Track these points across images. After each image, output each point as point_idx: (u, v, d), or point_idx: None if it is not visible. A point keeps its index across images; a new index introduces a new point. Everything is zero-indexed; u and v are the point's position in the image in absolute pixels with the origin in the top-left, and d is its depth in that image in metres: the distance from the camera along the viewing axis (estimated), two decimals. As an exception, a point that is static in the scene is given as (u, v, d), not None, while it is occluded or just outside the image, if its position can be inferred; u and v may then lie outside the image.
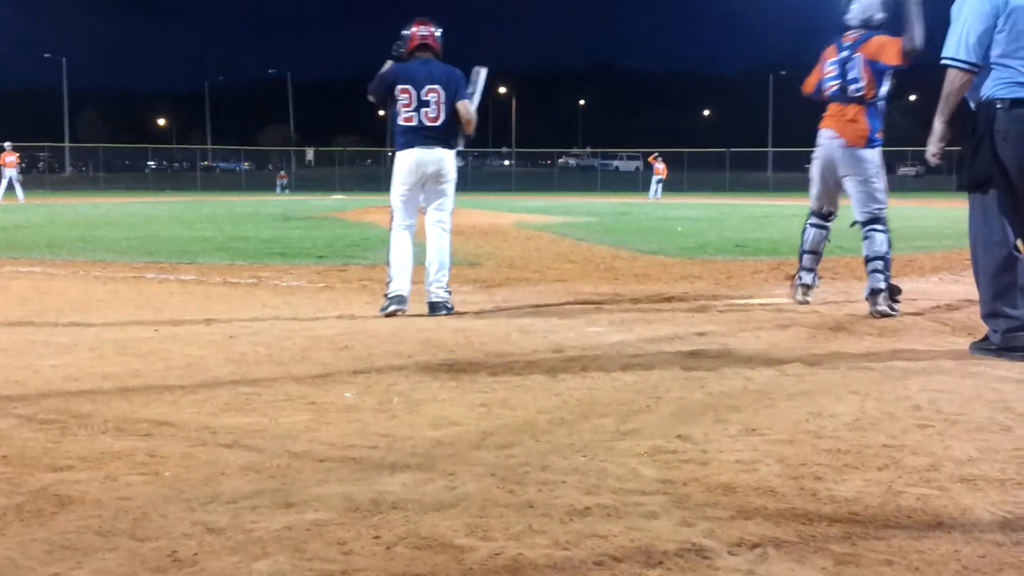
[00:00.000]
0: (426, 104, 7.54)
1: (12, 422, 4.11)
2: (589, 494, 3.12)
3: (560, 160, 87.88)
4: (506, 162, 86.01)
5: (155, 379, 5.02)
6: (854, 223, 7.54)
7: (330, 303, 8.15)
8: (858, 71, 7.39)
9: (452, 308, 7.56)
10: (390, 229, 7.73)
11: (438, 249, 7.65)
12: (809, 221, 8.00)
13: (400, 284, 7.53)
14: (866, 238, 7.47)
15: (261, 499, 3.09)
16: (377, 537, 2.76)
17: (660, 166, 51.37)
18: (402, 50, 7.66)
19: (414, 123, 7.57)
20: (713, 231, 19.17)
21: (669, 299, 8.33)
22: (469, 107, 7.59)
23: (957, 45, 5.58)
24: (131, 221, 23.12)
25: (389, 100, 7.64)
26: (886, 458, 3.53)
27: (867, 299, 7.43)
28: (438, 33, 7.75)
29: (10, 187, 38.91)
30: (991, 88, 5.56)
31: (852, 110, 7.47)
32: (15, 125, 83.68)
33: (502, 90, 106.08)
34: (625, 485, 3.23)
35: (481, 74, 8.07)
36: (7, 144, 39.81)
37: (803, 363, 5.36)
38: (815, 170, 7.81)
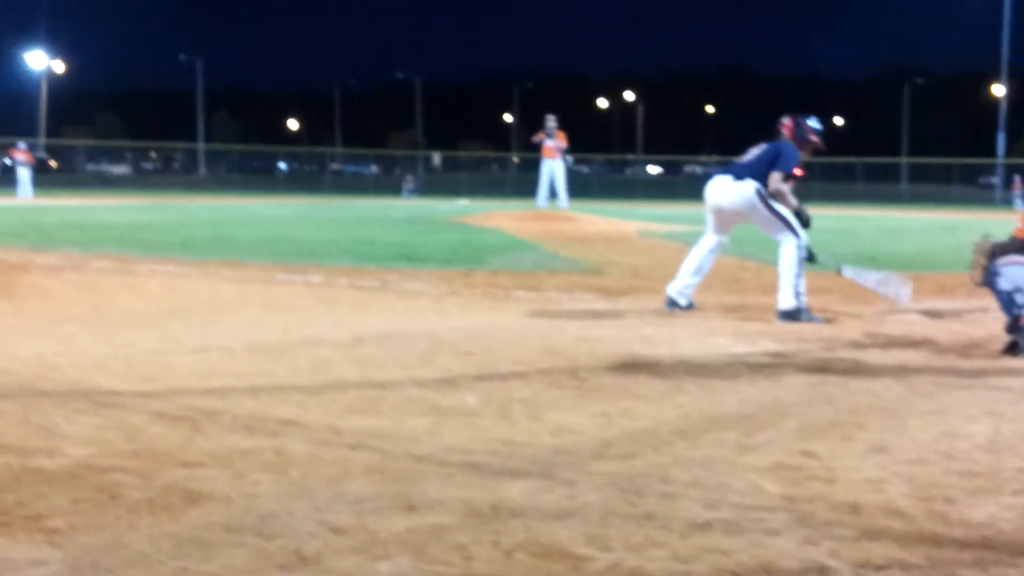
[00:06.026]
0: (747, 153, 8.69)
1: (145, 418, 4.25)
2: (710, 508, 3.09)
3: (687, 168, 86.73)
4: (626, 171, 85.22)
5: (283, 379, 5.12)
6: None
7: (455, 308, 8.22)
8: None
9: (800, 318, 7.94)
10: None
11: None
12: None
13: (673, 284, 8.47)
14: None
15: (384, 500, 3.13)
16: (496, 543, 2.77)
17: None
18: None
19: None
20: (843, 244, 18.72)
21: (795, 311, 8.17)
22: (778, 182, 8.31)
23: None
24: (262, 222, 23.63)
25: None
26: (1022, 482, 3.41)
27: None
28: (788, 123, 8.86)
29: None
30: None
31: None
32: (152, 125, 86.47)
33: (631, 97, 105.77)
34: (747, 500, 3.18)
35: None
36: (21, 144, 41.68)
37: (934, 381, 5.21)
38: None
